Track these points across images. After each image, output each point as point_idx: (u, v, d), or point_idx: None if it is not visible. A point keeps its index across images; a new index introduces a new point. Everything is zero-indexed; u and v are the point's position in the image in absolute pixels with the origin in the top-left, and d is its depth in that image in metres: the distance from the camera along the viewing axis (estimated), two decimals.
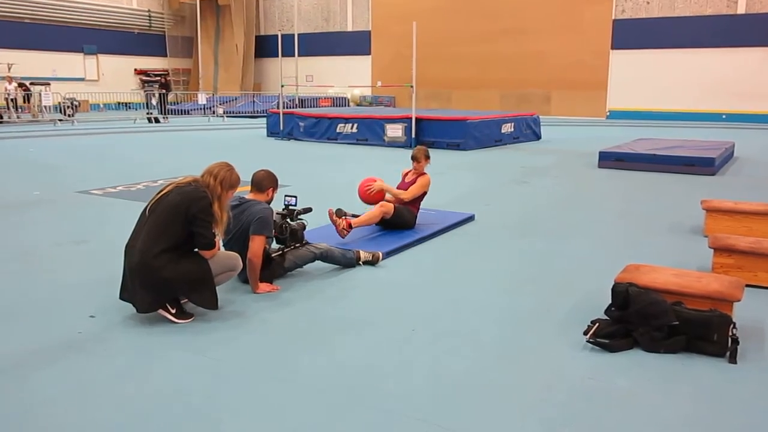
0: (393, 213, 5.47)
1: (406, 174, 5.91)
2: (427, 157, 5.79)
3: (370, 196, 5.63)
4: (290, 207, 4.47)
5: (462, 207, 6.85)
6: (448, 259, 5.00)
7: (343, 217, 5.18)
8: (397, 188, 5.84)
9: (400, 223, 5.58)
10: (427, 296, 4.08)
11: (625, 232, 5.97)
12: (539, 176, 9.63)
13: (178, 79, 30.11)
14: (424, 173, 5.84)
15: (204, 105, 23.61)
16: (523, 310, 3.84)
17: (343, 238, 5.14)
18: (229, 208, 3.74)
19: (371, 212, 5.38)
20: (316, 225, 5.42)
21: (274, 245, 4.44)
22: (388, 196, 5.65)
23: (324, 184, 8.68)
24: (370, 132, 14.30)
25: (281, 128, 15.60)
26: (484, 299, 4.05)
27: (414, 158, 5.75)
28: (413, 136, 13.45)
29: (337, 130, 14.80)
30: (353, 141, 14.45)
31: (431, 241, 5.49)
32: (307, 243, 4.48)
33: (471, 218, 6.32)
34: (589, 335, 3.31)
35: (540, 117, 16.40)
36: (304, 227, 4.48)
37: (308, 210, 4.57)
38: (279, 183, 4.41)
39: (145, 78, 29.13)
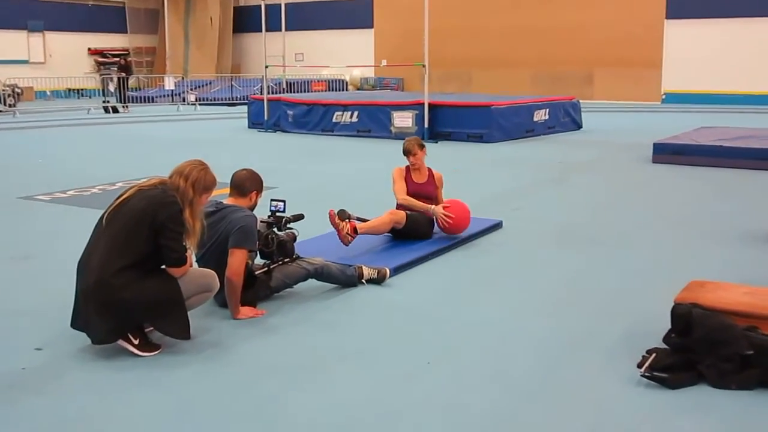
0: (405, 222, 5.47)
1: (404, 174, 5.84)
2: (422, 147, 5.83)
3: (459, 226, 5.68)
4: (278, 214, 4.48)
5: (487, 212, 6.84)
6: (471, 276, 4.99)
7: (347, 221, 5.19)
8: (403, 193, 5.79)
9: (415, 232, 5.59)
10: (445, 321, 4.08)
11: (687, 242, 5.95)
12: (580, 173, 9.61)
13: (141, 60, 30.27)
14: (429, 168, 5.86)
15: (172, 91, 23.72)
16: (561, 337, 3.83)
17: (346, 245, 5.15)
18: (203, 215, 3.75)
19: (380, 219, 5.39)
20: (308, 235, 5.42)
21: (258, 260, 4.45)
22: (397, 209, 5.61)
23: (318, 185, 8.69)
24: (373, 122, 14.32)
25: (266, 118, 15.64)
26: (515, 324, 4.04)
27: (407, 152, 5.77)
28: (426, 125, 13.45)
29: (334, 120, 14.82)
30: (353, 133, 14.46)
31: (450, 254, 5.49)
32: (298, 257, 4.49)
33: (498, 225, 6.33)
34: (643, 368, 3.30)
35: (580, 102, 16.39)
36: (294, 238, 4.49)
37: (299, 217, 4.58)
38: (264, 185, 4.42)
39: (101, 59, 29.28)
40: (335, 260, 4.79)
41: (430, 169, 5.93)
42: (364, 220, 5.38)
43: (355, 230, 5.19)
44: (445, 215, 5.59)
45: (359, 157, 11.63)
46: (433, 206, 5.65)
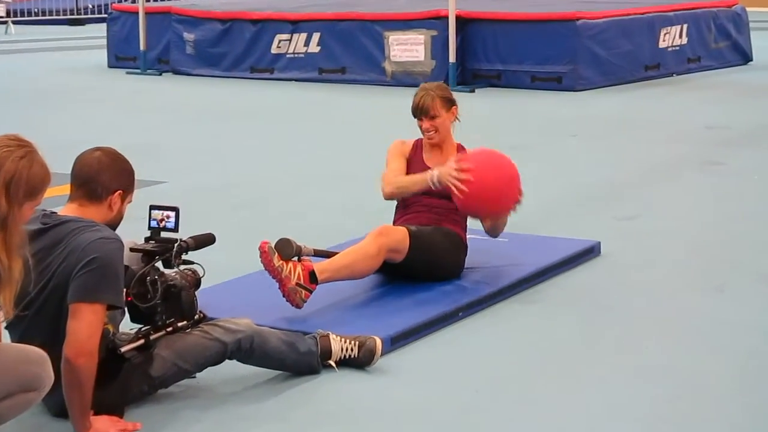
0: (409, 247, 5.52)
1: (407, 151, 5.97)
2: (450, 103, 5.89)
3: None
4: (164, 234, 4.50)
5: (571, 225, 6.88)
6: (537, 351, 5.03)
7: (294, 260, 5.23)
8: (395, 178, 5.92)
9: (428, 266, 5.65)
10: None
11: None
12: (749, 149, 9.72)
13: None
14: (459, 145, 5.95)
15: None
16: None
17: (297, 305, 5.19)
18: (25, 241, 3.75)
19: (357, 248, 5.44)
20: (225, 276, 5.44)
21: (127, 324, 4.46)
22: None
23: (242, 180, 8.70)
24: (349, 53, 14.52)
25: (142, 48, 15.69)
26: None
27: (421, 111, 5.80)
28: (452, 59, 13.55)
29: (275, 50, 15.00)
30: (312, 74, 14.67)
31: (498, 308, 5.54)
32: (205, 318, 4.51)
33: (591, 251, 6.38)
34: None
35: (748, 11, 16.47)
36: (197, 282, 4.51)
37: (206, 241, 4.60)
38: (137, 179, 4.43)
39: None
40: (276, 322, 4.82)
41: (461, 146, 5.98)
42: (329, 255, 5.43)
43: (312, 277, 5.22)
44: (458, 174, 5.54)
45: (323, 121, 11.67)
46: (433, 170, 5.67)
